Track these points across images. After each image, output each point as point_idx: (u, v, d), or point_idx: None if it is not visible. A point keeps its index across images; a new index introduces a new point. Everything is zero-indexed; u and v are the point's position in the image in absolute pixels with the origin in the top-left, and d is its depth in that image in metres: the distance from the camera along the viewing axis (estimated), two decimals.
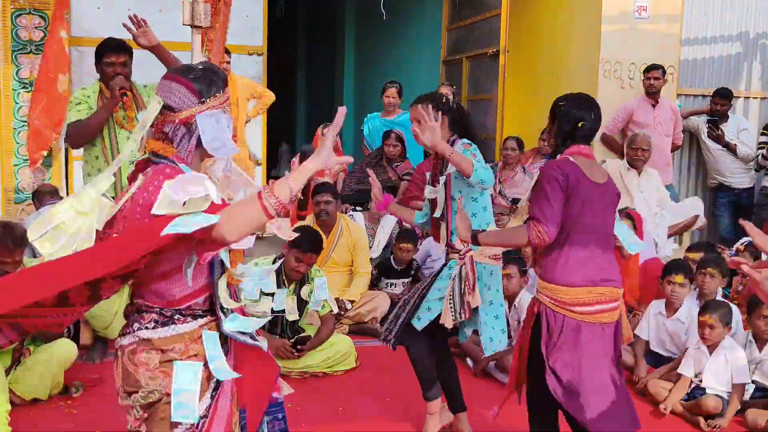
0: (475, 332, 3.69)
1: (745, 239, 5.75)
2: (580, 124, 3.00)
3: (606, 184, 2.99)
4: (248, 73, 7.14)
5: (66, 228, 2.12)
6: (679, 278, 4.62)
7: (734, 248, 5.66)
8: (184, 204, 2.00)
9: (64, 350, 4.10)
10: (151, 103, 2.19)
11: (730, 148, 7.05)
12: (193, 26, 4.51)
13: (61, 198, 5.60)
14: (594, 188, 2.94)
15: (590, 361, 2.88)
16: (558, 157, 3.04)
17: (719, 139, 7.04)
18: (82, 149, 4.56)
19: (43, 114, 6.25)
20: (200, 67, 2.23)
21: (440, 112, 3.46)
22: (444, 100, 3.56)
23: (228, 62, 6.31)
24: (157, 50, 4.24)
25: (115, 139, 4.40)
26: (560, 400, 2.91)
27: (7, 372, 3.97)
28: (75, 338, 4.59)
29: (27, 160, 6.43)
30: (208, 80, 2.17)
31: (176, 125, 2.17)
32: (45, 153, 6.34)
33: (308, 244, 4.52)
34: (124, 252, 2.01)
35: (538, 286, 3.04)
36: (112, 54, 4.36)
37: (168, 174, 2.11)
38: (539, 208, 2.89)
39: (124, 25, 4.15)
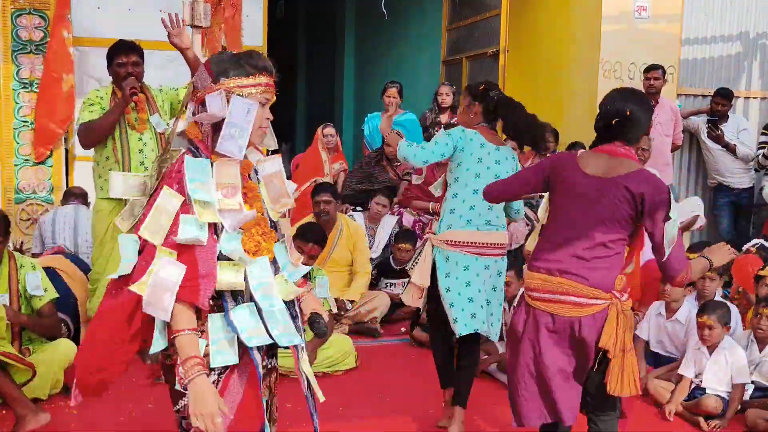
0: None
1: (756, 241, 5.76)
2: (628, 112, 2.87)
3: (607, 179, 2.78)
4: None
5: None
6: (709, 274, 4.66)
7: (745, 249, 5.67)
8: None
9: (64, 350, 4.10)
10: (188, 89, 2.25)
11: (730, 148, 7.05)
12: (193, 26, 4.53)
13: (88, 203, 5.67)
14: (583, 179, 2.82)
15: (525, 347, 2.88)
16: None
17: (719, 139, 7.04)
18: (92, 150, 4.58)
19: (48, 112, 6.30)
20: (236, 52, 2.24)
21: (475, 100, 3.78)
22: (481, 88, 3.82)
23: None
24: (186, 53, 4.27)
25: (126, 141, 4.42)
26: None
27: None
28: (75, 338, 4.60)
29: (27, 159, 6.44)
30: (233, 63, 2.16)
31: (196, 105, 2.20)
32: (51, 148, 6.39)
33: (311, 234, 4.54)
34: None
35: None
36: (122, 54, 4.41)
37: (173, 177, 2.14)
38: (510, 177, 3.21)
39: (162, 21, 4.19)
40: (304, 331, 2.37)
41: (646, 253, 5.35)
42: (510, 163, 3.72)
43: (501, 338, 4.98)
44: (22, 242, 6.10)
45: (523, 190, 3.09)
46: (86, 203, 5.76)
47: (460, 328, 3.60)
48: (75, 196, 5.83)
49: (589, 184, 2.81)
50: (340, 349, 4.74)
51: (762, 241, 5.80)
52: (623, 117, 2.82)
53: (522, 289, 3.03)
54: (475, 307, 3.62)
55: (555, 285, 2.79)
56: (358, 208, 6.77)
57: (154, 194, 2.18)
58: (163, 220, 2.08)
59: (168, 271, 2.04)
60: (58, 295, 4.24)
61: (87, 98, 4.50)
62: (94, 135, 4.40)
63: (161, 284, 2.04)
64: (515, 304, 4.75)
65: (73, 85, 6.35)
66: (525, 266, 3.07)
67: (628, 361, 2.78)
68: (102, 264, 4.50)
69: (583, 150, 3.02)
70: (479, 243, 3.62)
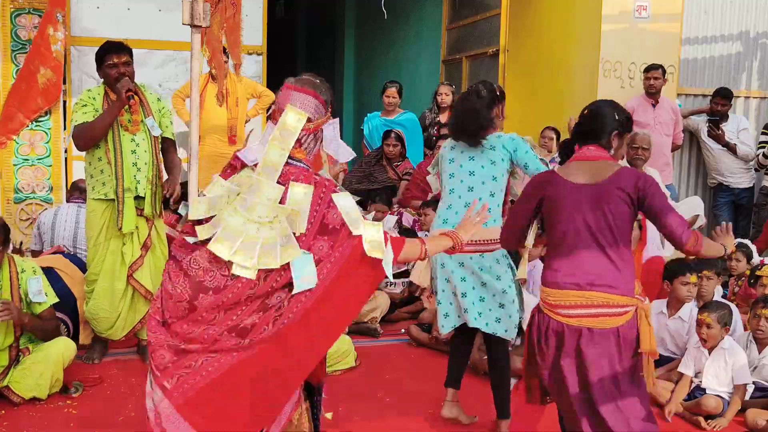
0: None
1: (736, 240, 5.76)
2: (586, 112, 3.02)
3: (599, 184, 2.83)
4: (248, 72, 7.14)
5: (253, 238, 2.33)
6: (707, 273, 4.78)
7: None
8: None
9: (63, 349, 4.09)
10: (289, 115, 2.42)
11: (730, 148, 7.04)
12: (192, 26, 4.51)
13: None
14: (575, 191, 2.85)
15: (568, 367, 2.83)
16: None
17: (719, 138, 7.04)
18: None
19: (19, 102, 6.30)
20: (318, 80, 2.51)
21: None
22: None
23: (226, 62, 6.31)
24: None
25: (119, 142, 4.39)
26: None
27: (6, 371, 3.97)
28: (74, 338, 4.59)
29: (27, 159, 6.43)
30: (329, 93, 2.53)
31: (308, 133, 2.47)
32: (15, 137, 6.37)
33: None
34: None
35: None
36: (113, 54, 4.37)
37: (327, 186, 2.41)
38: (509, 215, 3.18)
39: None
40: None
41: (649, 252, 5.40)
42: (487, 155, 3.70)
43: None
44: (21, 242, 6.09)
45: (523, 222, 3.06)
46: None
47: (441, 328, 3.80)
48: (81, 190, 5.79)
49: (583, 194, 2.85)
50: (340, 349, 4.73)
51: (740, 240, 5.80)
52: (584, 116, 2.99)
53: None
54: (453, 305, 3.71)
55: (588, 299, 2.79)
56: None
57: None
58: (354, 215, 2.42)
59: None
60: (58, 300, 4.23)
61: (80, 99, 4.47)
62: (90, 137, 4.36)
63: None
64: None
65: (50, 79, 6.28)
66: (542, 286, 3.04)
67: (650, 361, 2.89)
68: (97, 266, 4.49)
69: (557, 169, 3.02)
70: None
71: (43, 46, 6.26)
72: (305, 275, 2.31)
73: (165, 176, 4.66)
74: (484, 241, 3.62)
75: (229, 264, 2.33)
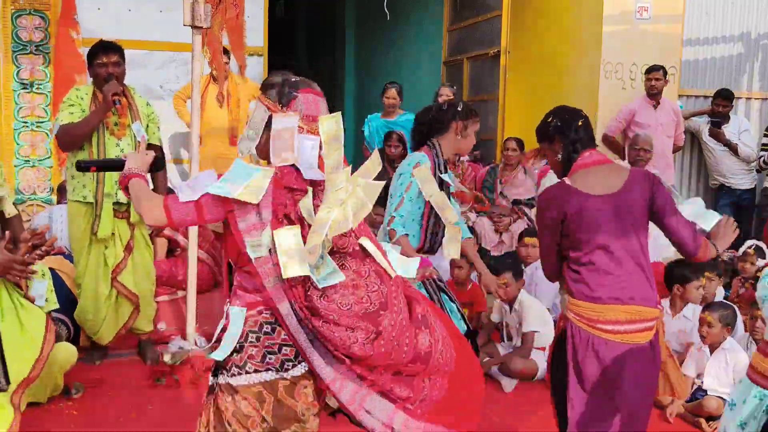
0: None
1: (751, 242, 5.77)
2: (580, 123, 2.88)
3: (618, 192, 2.77)
4: (249, 74, 7.13)
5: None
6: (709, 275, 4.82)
7: (741, 251, 5.68)
8: None
9: (63, 353, 4.07)
10: (327, 123, 2.37)
11: (731, 147, 7.04)
12: (193, 27, 4.50)
13: None
14: (599, 203, 2.77)
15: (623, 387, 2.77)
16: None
17: (719, 136, 7.03)
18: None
19: None
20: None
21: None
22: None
23: (227, 63, 6.30)
24: None
25: (103, 145, 4.32)
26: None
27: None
28: (75, 339, 4.58)
29: (27, 160, 6.43)
30: None
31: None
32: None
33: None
34: None
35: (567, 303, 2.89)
36: (103, 54, 4.31)
37: None
38: (541, 249, 2.99)
39: None
40: None
41: (653, 254, 5.40)
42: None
43: (502, 340, 4.99)
44: None
45: (554, 250, 2.89)
46: None
47: None
48: None
49: (607, 206, 2.76)
50: None
51: (756, 241, 5.82)
52: (578, 127, 2.89)
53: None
54: None
55: (630, 314, 2.73)
56: None
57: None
58: None
59: None
60: (58, 306, 4.22)
61: (67, 98, 4.40)
62: (74, 139, 4.29)
63: None
64: (516, 306, 4.75)
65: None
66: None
67: None
68: (83, 266, 4.46)
69: (568, 180, 2.87)
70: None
71: (70, 52, 6.22)
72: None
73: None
74: None
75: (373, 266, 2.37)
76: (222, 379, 2.32)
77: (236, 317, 2.31)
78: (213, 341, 2.38)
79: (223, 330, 2.34)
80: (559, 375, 2.86)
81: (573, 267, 2.82)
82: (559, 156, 2.89)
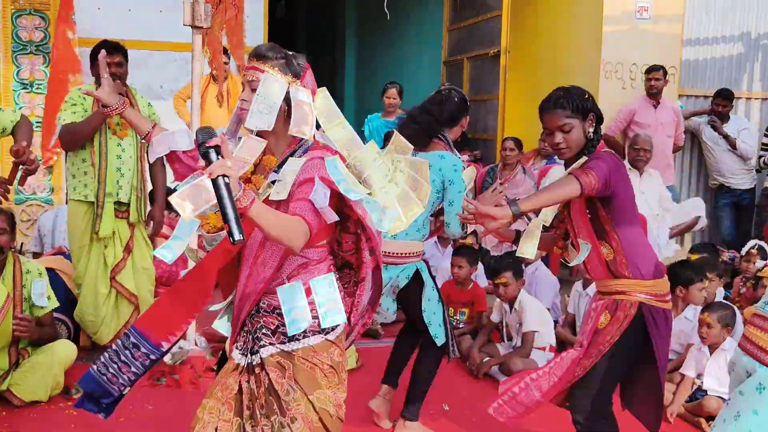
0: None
1: (754, 242, 5.77)
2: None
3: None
4: None
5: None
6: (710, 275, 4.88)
7: (744, 251, 5.69)
8: None
9: (64, 352, 4.09)
10: (321, 96, 2.35)
11: (730, 141, 7.03)
12: (193, 27, 4.50)
13: None
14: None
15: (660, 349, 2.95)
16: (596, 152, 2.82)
17: (717, 129, 7.03)
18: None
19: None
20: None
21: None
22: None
23: (227, 63, 6.31)
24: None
25: (104, 145, 4.33)
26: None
27: (7, 374, 3.97)
28: (75, 339, 4.58)
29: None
30: None
31: None
32: (59, 151, 6.32)
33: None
34: None
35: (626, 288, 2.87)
36: (106, 54, 4.31)
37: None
38: (593, 167, 2.69)
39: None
40: None
41: None
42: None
43: (502, 340, 4.99)
44: (21, 244, 6.08)
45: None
46: None
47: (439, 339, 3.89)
48: None
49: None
50: None
51: (758, 242, 5.82)
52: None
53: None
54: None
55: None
56: None
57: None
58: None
59: None
60: (59, 305, 4.23)
61: (69, 97, 4.42)
62: (77, 139, 4.31)
63: None
64: (516, 306, 4.75)
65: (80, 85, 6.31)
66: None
67: None
68: (83, 266, 4.46)
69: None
70: (386, 252, 3.62)
71: (66, 52, 6.21)
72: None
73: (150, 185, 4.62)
74: (401, 254, 3.70)
75: None
76: (301, 344, 2.29)
77: (326, 283, 2.34)
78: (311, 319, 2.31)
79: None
80: (630, 356, 2.92)
81: (630, 243, 2.83)
82: (591, 132, 2.83)
